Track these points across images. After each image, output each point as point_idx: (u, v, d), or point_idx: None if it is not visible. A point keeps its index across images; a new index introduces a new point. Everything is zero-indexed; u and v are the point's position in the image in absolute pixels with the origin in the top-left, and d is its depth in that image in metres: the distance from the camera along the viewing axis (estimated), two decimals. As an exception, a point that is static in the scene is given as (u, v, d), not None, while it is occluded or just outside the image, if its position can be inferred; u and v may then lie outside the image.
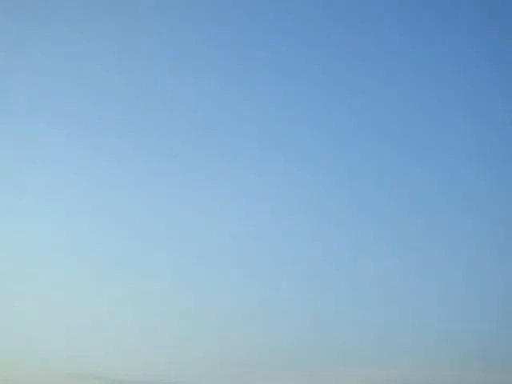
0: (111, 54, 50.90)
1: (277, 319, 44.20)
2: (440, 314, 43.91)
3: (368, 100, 51.95)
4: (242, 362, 42.38)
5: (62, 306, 43.89)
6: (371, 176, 50.43)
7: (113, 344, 42.64)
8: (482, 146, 49.84)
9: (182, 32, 52.41)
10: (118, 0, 50.87)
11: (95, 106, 50.40)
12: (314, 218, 48.89)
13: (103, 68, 50.63)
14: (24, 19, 47.66)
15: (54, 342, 42.08)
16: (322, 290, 45.37)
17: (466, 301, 44.21)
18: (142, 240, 47.46)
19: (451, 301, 44.27)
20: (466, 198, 48.38)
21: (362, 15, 51.92)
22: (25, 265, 44.57)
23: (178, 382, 40.86)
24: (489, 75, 50.80)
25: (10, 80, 47.83)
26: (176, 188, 49.78)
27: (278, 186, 50.67)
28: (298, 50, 52.86)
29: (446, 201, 48.99)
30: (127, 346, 42.46)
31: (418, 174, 50.63)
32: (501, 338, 41.76)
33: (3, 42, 47.66)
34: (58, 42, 49.30)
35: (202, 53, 51.79)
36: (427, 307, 44.35)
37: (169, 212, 49.20)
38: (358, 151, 51.40)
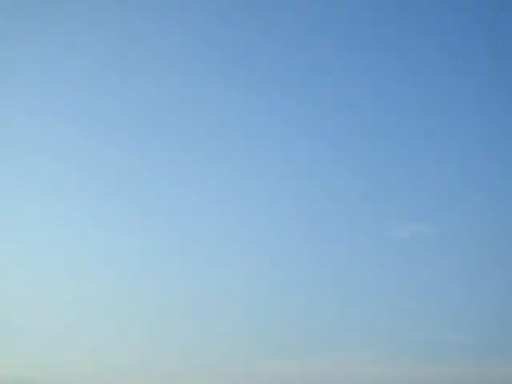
0: (114, 50, 51.39)
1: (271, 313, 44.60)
2: (439, 314, 44.14)
3: (368, 102, 52.27)
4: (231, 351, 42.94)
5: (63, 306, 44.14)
6: (371, 177, 50.62)
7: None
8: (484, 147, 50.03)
9: (188, 32, 52.82)
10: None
11: (100, 104, 50.71)
12: (309, 217, 49.28)
13: (106, 65, 51.05)
14: (29, 14, 47.95)
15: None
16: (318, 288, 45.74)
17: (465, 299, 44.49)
18: (143, 241, 47.76)
19: (450, 300, 44.52)
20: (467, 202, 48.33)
21: (363, 14, 52.39)
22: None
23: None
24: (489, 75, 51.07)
25: (11, 75, 48.03)
26: (177, 188, 50.15)
27: (275, 187, 50.95)
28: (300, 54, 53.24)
29: (446, 203, 49.10)
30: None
31: (418, 177, 50.64)
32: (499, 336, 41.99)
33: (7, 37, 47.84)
34: (63, 40, 49.63)
35: (208, 54, 52.17)
36: (425, 306, 44.52)
37: (169, 212, 49.44)
38: (359, 154, 51.60)
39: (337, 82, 52.18)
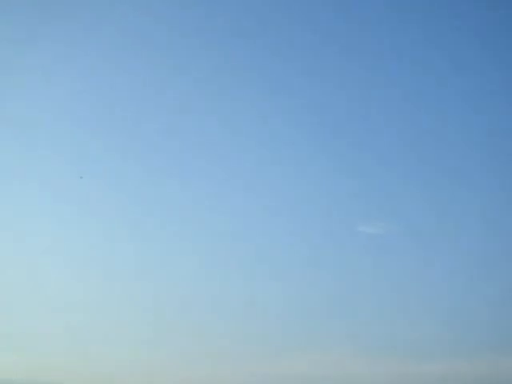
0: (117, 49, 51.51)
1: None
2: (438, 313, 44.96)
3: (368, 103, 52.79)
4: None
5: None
6: (370, 173, 51.38)
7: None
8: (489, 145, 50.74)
9: (193, 32, 53.02)
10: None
11: (103, 103, 50.93)
12: (308, 219, 49.98)
13: (112, 65, 51.22)
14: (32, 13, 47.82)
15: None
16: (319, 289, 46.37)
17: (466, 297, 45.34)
18: (143, 241, 48.16)
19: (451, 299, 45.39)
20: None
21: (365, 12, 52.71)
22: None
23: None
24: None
25: (12, 77, 48.07)
26: (179, 189, 50.62)
27: (273, 186, 51.50)
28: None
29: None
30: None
31: (419, 173, 51.34)
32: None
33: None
34: (66, 40, 49.65)
35: (212, 56, 52.40)
36: (424, 303, 45.34)
37: (169, 212, 49.90)
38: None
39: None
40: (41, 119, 49.87)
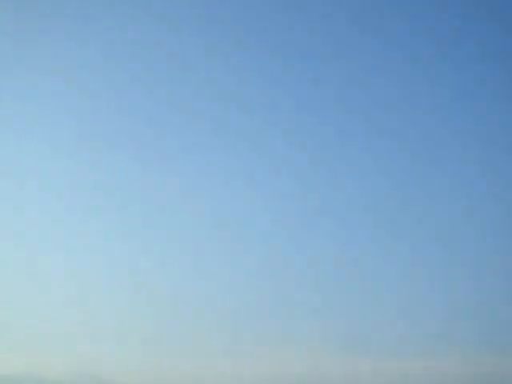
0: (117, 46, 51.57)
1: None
2: (436, 312, 45.13)
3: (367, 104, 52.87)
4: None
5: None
6: (372, 176, 51.58)
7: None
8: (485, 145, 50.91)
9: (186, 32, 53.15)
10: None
11: (100, 98, 51.09)
12: (310, 219, 50.21)
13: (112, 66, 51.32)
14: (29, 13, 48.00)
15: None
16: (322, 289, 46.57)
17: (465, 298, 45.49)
18: (140, 239, 48.30)
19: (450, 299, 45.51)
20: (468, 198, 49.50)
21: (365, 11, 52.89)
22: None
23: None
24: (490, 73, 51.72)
25: (11, 73, 48.14)
26: (178, 190, 50.73)
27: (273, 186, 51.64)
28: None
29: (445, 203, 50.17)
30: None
31: (419, 175, 51.68)
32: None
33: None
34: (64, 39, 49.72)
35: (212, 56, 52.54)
36: (423, 303, 45.55)
37: (166, 210, 50.02)
38: (358, 153, 52.51)
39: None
40: (42, 119, 49.83)
